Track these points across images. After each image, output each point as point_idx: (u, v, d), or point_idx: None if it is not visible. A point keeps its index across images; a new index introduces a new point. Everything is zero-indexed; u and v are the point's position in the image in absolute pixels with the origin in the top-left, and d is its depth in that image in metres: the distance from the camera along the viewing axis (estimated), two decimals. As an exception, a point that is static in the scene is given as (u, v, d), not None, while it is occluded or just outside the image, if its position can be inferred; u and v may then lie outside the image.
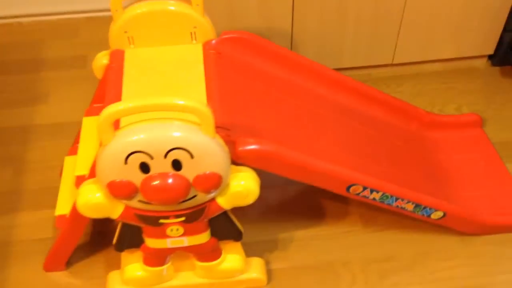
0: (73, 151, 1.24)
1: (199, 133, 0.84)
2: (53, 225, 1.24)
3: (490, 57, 1.59)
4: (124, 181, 0.86)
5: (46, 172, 1.35)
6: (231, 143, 0.91)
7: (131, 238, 1.00)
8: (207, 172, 0.87)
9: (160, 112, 0.83)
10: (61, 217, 1.11)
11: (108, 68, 1.09)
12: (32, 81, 1.60)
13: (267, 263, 1.15)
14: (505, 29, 1.49)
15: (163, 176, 0.85)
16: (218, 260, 1.06)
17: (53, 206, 1.26)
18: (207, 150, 0.85)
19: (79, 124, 1.41)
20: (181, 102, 0.81)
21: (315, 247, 1.20)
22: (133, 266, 1.06)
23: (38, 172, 1.35)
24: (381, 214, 1.24)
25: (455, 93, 1.54)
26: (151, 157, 0.84)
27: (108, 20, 1.10)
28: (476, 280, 1.13)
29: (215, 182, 0.88)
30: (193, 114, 0.83)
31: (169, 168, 0.85)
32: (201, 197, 0.91)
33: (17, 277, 1.15)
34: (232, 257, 1.08)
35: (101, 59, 1.15)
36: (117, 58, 1.09)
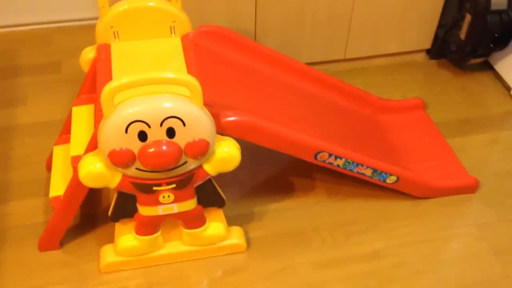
0: (61, 141, 1.34)
1: (190, 104, 0.97)
2: (43, 211, 1.33)
3: (428, 51, 1.80)
4: (124, 150, 0.97)
5: (31, 166, 1.43)
6: (215, 116, 1.05)
7: (125, 208, 1.11)
8: (197, 139, 1.00)
9: (149, 89, 0.96)
10: (56, 198, 1.20)
11: (96, 60, 1.20)
12: (11, 86, 1.68)
13: (245, 232, 1.28)
14: (439, 25, 1.70)
15: (159, 143, 0.98)
16: (203, 227, 1.19)
17: (41, 195, 1.36)
18: (197, 118, 0.98)
19: (58, 122, 1.53)
20: (174, 75, 0.95)
21: (287, 217, 1.34)
22: (125, 236, 1.17)
23: (23, 167, 1.44)
24: (343, 186, 1.40)
25: (400, 83, 1.74)
26: (149, 126, 0.96)
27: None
28: (427, 236, 1.30)
29: (203, 148, 1.01)
30: (184, 86, 0.96)
31: (164, 136, 0.98)
32: (191, 163, 1.03)
33: (14, 259, 1.22)
34: (215, 225, 1.21)
35: (88, 54, 1.26)
36: (104, 51, 1.20)
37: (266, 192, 1.39)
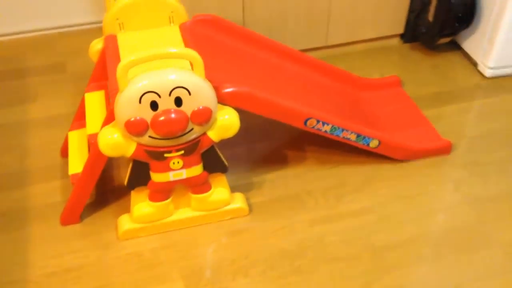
0: (74, 127, 1.48)
1: (194, 75, 1.12)
2: (61, 192, 1.46)
3: (401, 36, 1.97)
4: (138, 119, 1.12)
5: (46, 154, 1.57)
6: (215, 88, 1.19)
7: (140, 175, 1.24)
8: (201, 107, 1.14)
9: (155, 66, 1.10)
10: (75, 175, 1.34)
11: (105, 49, 1.35)
12: (21, 86, 1.82)
13: (246, 199, 1.42)
14: (410, 11, 1.87)
15: (168, 112, 1.12)
16: (209, 192, 1.33)
17: (57, 178, 1.50)
18: (201, 88, 1.12)
19: (67, 115, 1.67)
20: (179, 50, 1.10)
21: (283, 184, 1.48)
22: (141, 204, 1.30)
23: (40, 155, 1.57)
24: (332, 155, 1.55)
25: (377, 65, 1.90)
26: (159, 96, 1.10)
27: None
28: (408, 192, 1.45)
29: (207, 115, 1.16)
30: (188, 59, 1.11)
31: (172, 105, 1.12)
32: (196, 130, 1.17)
33: (39, 233, 1.35)
34: (219, 190, 1.35)
35: (96, 45, 1.41)
36: (112, 41, 1.35)
37: (262, 165, 1.54)
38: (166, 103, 1.12)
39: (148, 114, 1.12)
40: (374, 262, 1.29)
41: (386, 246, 1.32)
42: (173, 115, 1.12)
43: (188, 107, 1.13)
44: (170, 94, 1.11)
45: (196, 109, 1.14)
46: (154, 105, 1.11)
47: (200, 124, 1.16)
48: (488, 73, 1.80)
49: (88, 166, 1.27)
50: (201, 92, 1.13)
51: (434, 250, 1.31)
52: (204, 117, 1.15)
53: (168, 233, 1.36)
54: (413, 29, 1.91)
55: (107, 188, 1.46)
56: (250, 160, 1.56)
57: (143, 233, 1.34)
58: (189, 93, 1.12)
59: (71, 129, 1.48)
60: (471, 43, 1.85)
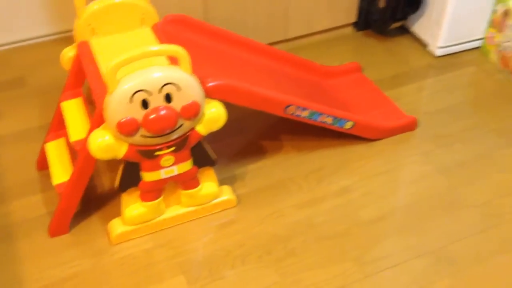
0: (50, 138, 1.45)
1: (182, 71, 1.14)
2: (44, 204, 1.43)
3: (354, 24, 2.07)
4: (129, 119, 1.13)
5: (22, 169, 1.53)
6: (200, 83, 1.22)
7: (131, 176, 1.25)
8: (190, 101, 1.17)
9: (139, 66, 1.11)
10: (60, 184, 1.33)
11: (79, 56, 1.34)
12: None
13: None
14: None
15: (158, 109, 1.14)
16: (199, 187, 1.35)
17: (37, 191, 1.48)
18: (189, 83, 1.15)
19: (37, 129, 1.66)
20: (166, 47, 1.12)
21: (265, 173, 1.52)
22: (132, 206, 1.31)
23: (15, 171, 1.53)
24: (307, 142, 1.61)
25: (336, 54, 1.98)
26: (150, 94, 1.12)
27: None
28: (383, 168, 1.53)
29: (196, 109, 1.18)
30: (174, 55, 1.13)
31: (163, 102, 1.14)
32: (186, 125, 1.20)
33: (28, 248, 1.33)
34: (208, 184, 1.37)
35: (68, 53, 1.40)
36: (86, 47, 1.34)
37: (241, 157, 1.57)
38: (157, 101, 1.13)
39: (139, 113, 1.13)
40: (362, 235, 1.36)
41: (371, 220, 1.39)
42: (163, 112, 1.14)
43: (177, 103, 1.16)
44: (160, 91, 1.13)
45: (185, 104, 1.16)
46: (145, 104, 1.13)
47: (189, 119, 1.19)
48: (438, 52, 1.92)
49: (76, 173, 1.27)
50: (189, 87, 1.15)
51: (416, 218, 1.39)
52: (193, 111, 1.18)
53: (160, 232, 1.37)
54: (365, 17, 2.01)
55: (90, 196, 1.45)
56: (230, 154, 1.59)
57: (136, 234, 1.34)
58: (179, 89, 1.14)
59: (47, 140, 1.45)
60: (420, 25, 1.97)
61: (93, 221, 1.40)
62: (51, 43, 2.02)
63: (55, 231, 1.35)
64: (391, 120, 1.62)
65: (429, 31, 1.92)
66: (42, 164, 1.51)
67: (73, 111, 1.37)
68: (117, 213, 1.37)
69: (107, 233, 1.36)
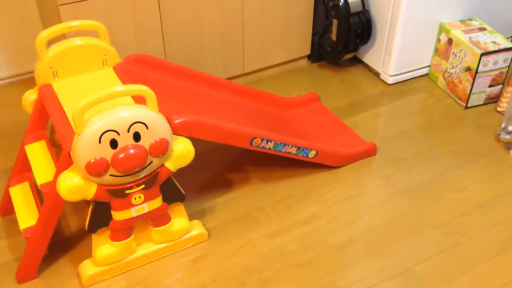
0: (14, 182, 1.43)
1: (149, 110, 1.16)
2: (9, 250, 1.40)
3: (308, 56, 2.14)
4: (98, 159, 1.13)
5: (-18, 216, 1.49)
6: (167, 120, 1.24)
7: (101, 216, 1.24)
8: (158, 139, 1.18)
9: (103, 107, 1.12)
10: (27, 229, 1.30)
11: (41, 99, 1.33)
12: None
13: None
14: (313, 33, 2.05)
15: (127, 148, 1.15)
16: (170, 223, 1.35)
17: (2, 237, 1.43)
18: (157, 121, 1.17)
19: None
20: (133, 87, 1.14)
21: (233, 205, 1.54)
22: (103, 246, 1.29)
23: (-26, 218, 1.49)
24: (273, 172, 1.64)
25: (293, 85, 2.05)
26: (118, 133, 1.13)
27: None
28: (348, 193, 1.58)
29: (165, 146, 1.20)
30: (141, 94, 1.15)
31: (131, 141, 1.15)
32: (155, 163, 1.21)
33: (-6, 297, 1.29)
34: (179, 220, 1.38)
35: (29, 96, 1.39)
36: (48, 90, 1.34)
37: (210, 191, 1.59)
38: (125, 140, 1.14)
39: (108, 153, 1.14)
40: (333, 261, 1.38)
41: (340, 245, 1.43)
42: (132, 151, 1.15)
43: (146, 141, 1.17)
44: (128, 130, 1.14)
45: (153, 142, 1.18)
46: (113, 143, 1.13)
47: (158, 156, 1.20)
48: (390, 80, 2.02)
49: (44, 216, 1.24)
50: (157, 124, 1.17)
51: (382, 240, 1.44)
52: (162, 148, 1.19)
53: (132, 271, 1.35)
54: (318, 50, 2.09)
55: (57, 238, 1.42)
56: (197, 188, 1.60)
57: (108, 275, 1.32)
58: (147, 127, 1.15)
59: (10, 185, 1.42)
60: (371, 55, 2.06)
61: (62, 264, 1.37)
62: (8, 86, 1.99)
63: (23, 277, 1.31)
64: (352, 147, 1.68)
65: (379, 61, 2.02)
66: (6, 209, 1.47)
67: (38, 154, 1.35)
68: (86, 254, 1.35)
69: (77, 275, 1.33)
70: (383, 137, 1.80)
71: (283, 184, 1.61)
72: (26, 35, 1.96)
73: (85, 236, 1.44)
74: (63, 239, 1.44)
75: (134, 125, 1.14)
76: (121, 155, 1.14)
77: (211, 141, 1.38)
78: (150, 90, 1.15)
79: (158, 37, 1.76)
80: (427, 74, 2.08)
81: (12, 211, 1.43)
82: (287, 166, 1.65)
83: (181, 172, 1.35)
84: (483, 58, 1.79)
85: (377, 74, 2.07)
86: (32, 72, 1.99)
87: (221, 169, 1.67)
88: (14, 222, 1.39)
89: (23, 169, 1.42)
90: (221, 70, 1.93)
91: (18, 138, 1.70)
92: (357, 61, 2.15)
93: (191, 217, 1.46)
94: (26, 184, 1.42)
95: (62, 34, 1.39)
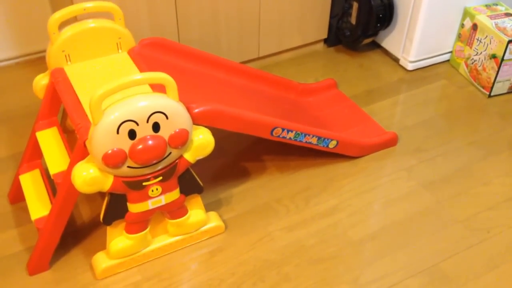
0: (24, 170, 1.37)
1: (169, 99, 1.10)
2: (20, 240, 1.35)
3: (325, 40, 2.07)
4: (116, 150, 1.07)
5: (-9, 204, 1.44)
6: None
7: (117, 209, 1.19)
8: (177, 129, 1.12)
9: (122, 95, 1.06)
10: (39, 219, 1.25)
11: (53, 84, 1.27)
12: None
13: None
14: (331, 16, 1.98)
15: (146, 139, 1.09)
16: (187, 215, 1.30)
17: (12, 227, 1.39)
18: (177, 110, 1.11)
19: (4, 159, 1.55)
20: (153, 74, 1.07)
21: (251, 196, 1.49)
22: (117, 239, 1.24)
23: (-17, 205, 1.44)
24: (290, 162, 1.59)
25: (309, 71, 1.98)
26: (137, 124, 1.07)
27: None
28: (369, 186, 1.53)
29: (185, 137, 1.14)
30: (161, 82, 1.08)
31: (150, 131, 1.09)
32: (174, 154, 1.15)
33: (6, 287, 1.24)
34: (195, 212, 1.32)
35: (41, 81, 1.32)
36: (61, 74, 1.28)
37: (225, 180, 1.53)
38: (144, 130, 1.08)
39: (126, 144, 1.08)
40: (355, 257, 1.34)
41: (361, 240, 1.38)
42: (150, 142, 1.09)
43: (165, 132, 1.11)
44: (148, 121, 1.08)
45: (173, 132, 1.12)
46: (132, 134, 1.07)
47: (177, 147, 1.14)
48: (410, 66, 1.95)
49: (57, 207, 1.19)
50: (177, 114, 1.11)
51: (405, 236, 1.39)
52: (182, 139, 1.14)
53: (147, 264, 1.31)
54: (336, 33, 2.02)
55: (70, 229, 1.38)
56: (212, 177, 1.55)
57: (122, 268, 1.28)
58: (167, 117, 1.09)
59: (21, 172, 1.37)
60: (390, 40, 1.99)
61: (74, 255, 1.33)
62: (15, 67, 1.92)
63: (34, 269, 1.27)
64: (373, 137, 1.62)
65: (399, 46, 1.94)
66: (16, 197, 1.42)
67: (50, 142, 1.30)
68: (99, 246, 1.31)
69: (91, 267, 1.29)
70: (404, 126, 1.73)
71: (301, 175, 1.56)
72: (33, 14, 1.88)
73: (98, 226, 1.39)
74: (75, 230, 1.39)
75: (154, 115, 1.08)
76: (140, 146, 1.09)
77: (224, 129, 1.32)
78: (171, 78, 1.09)
79: (172, 19, 1.68)
80: (448, 61, 2.01)
81: (22, 199, 1.38)
82: (305, 155, 1.59)
83: (200, 161, 1.29)
84: (510, 46, 1.72)
85: (396, 60, 2.00)
86: (39, 52, 1.93)
87: (235, 157, 1.61)
88: (24, 210, 1.34)
89: (33, 156, 1.37)
90: (235, 54, 1.86)
91: (26, 121, 1.64)
92: (375, 45, 2.07)
93: (207, 208, 1.41)
94: (37, 172, 1.36)
95: (74, 16, 1.32)
